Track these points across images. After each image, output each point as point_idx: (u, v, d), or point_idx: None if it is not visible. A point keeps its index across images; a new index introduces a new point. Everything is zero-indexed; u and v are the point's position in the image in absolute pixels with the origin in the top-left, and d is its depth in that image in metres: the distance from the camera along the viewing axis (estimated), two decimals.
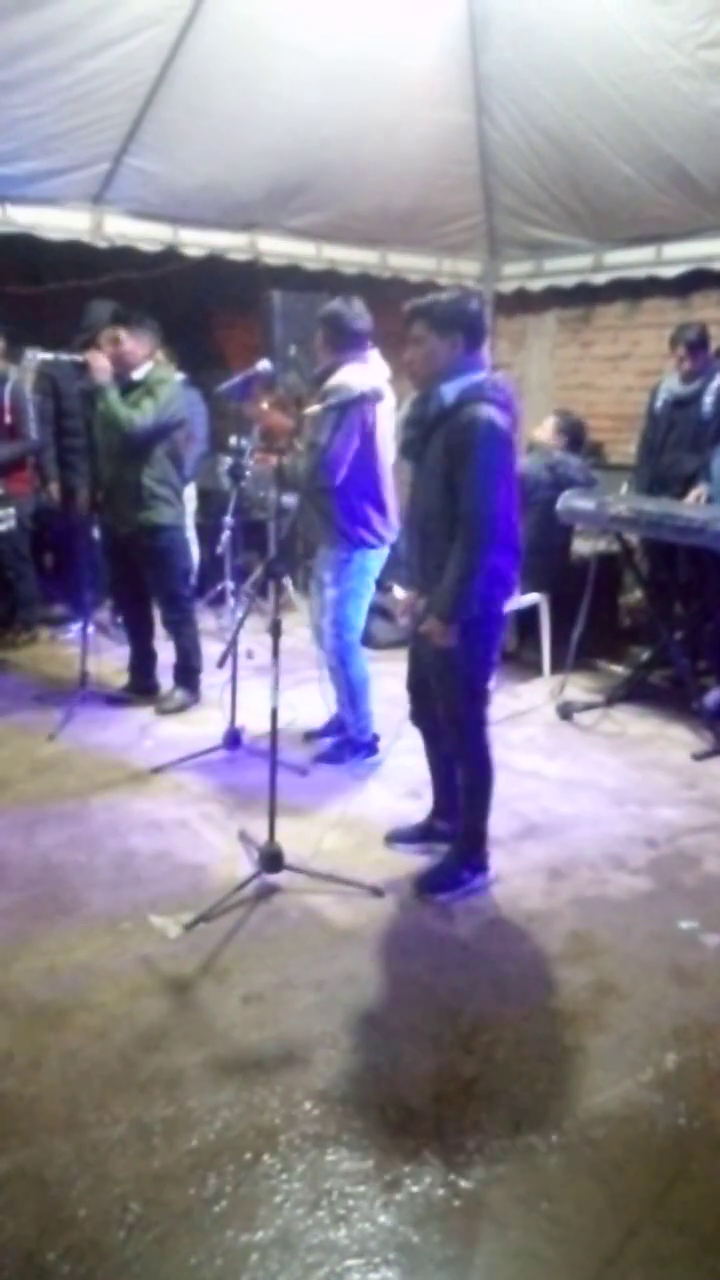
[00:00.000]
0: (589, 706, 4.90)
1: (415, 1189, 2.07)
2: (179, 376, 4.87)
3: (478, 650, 3.08)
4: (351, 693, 4.16)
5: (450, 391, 2.92)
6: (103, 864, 3.35)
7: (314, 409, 3.65)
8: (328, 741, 4.33)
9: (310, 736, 4.39)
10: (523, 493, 4.02)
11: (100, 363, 4.34)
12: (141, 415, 4.36)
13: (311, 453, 3.71)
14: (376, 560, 4.04)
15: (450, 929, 3.04)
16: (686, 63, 4.78)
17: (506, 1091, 2.35)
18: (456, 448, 2.87)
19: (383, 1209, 2.01)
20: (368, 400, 3.56)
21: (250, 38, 5.04)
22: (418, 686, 3.32)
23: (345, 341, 3.86)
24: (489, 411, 2.86)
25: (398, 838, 3.51)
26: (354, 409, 3.60)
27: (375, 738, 4.24)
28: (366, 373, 3.80)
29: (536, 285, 7.13)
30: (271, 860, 3.16)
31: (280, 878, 3.19)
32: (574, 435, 5.60)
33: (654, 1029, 2.58)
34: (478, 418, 2.85)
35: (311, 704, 4.41)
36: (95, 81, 4.96)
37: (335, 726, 4.36)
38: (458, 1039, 2.53)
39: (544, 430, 5.51)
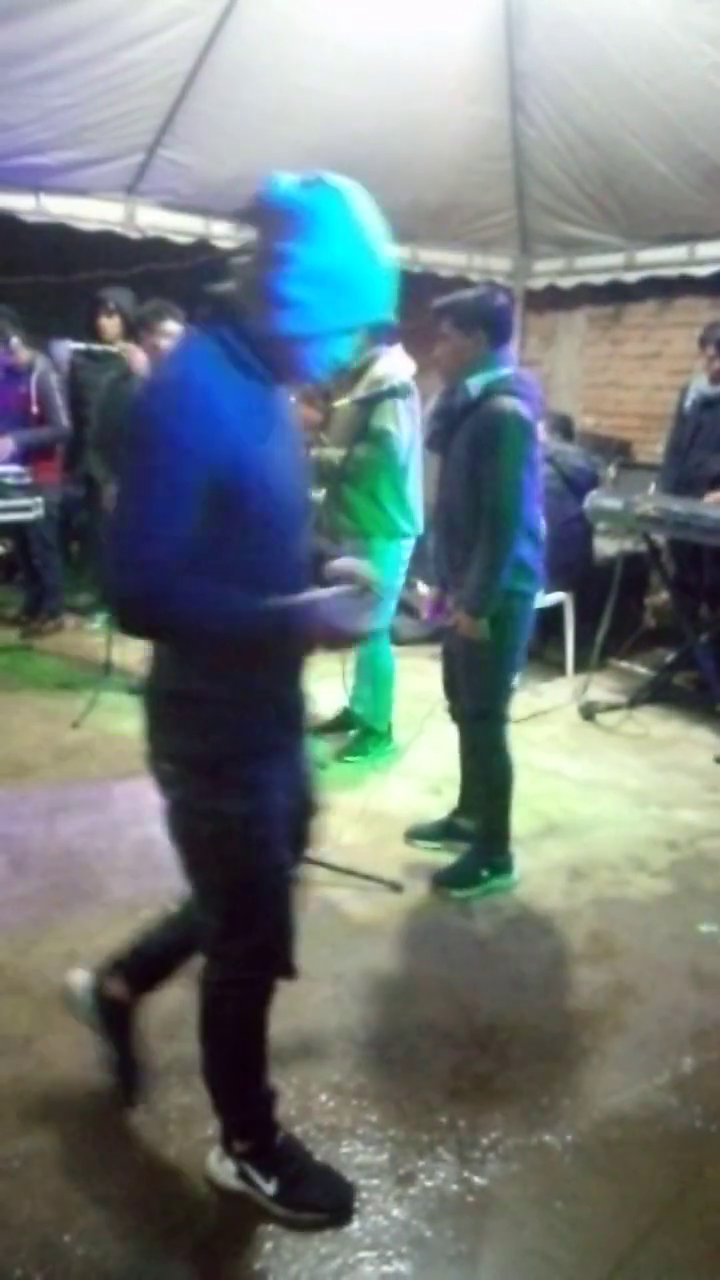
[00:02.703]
0: (612, 707, 4.88)
1: (429, 1184, 2.07)
2: None
3: (506, 642, 3.06)
4: (382, 683, 4.18)
5: (475, 385, 2.93)
6: (124, 851, 3.37)
7: (344, 402, 3.65)
8: (349, 735, 4.32)
9: (318, 732, 4.32)
10: None
11: (139, 357, 4.37)
12: None
13: (383, 439, 3.74)
14: (408, 551, 4.06)
15: (469, 926, 3.04)
16: None
17: (522, 1090, 2.35)
18: (483, 439, 2.89)
19: (396, 1203, 2.02)
20: (412, 391, 3.62)
21: (285, 32, 5.04)
22: (453, 684, 3.32)
23: (379, 333, 3.90)
24: (513, 403, 2.88)
25: (418, 834, 3.51)
26: (407, 396, 3.64)
27: (390, 728, 4.25)
28: (402, 363, 3.84)
29: (567, 282, 7.09)
30: None
31: (299, 870, 3.19)
32: (565, 429, 5.86)
33: (672, 1032, 2.57)
34: (504, 409, 2.86)
35: (335, 696, 4.40)
36: (131, 73, 4.97)
37: (346, 721, 4.36)
38: (474, 1036, 2.53)
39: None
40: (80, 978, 2.26)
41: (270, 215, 1.55)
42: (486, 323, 2.94)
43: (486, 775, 3.24)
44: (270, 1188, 1.97)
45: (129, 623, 1.56)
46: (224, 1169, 2.02)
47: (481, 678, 3.11)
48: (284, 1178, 1.98)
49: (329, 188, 1.55)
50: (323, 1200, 1.99)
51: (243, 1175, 1.99)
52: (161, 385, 1.60)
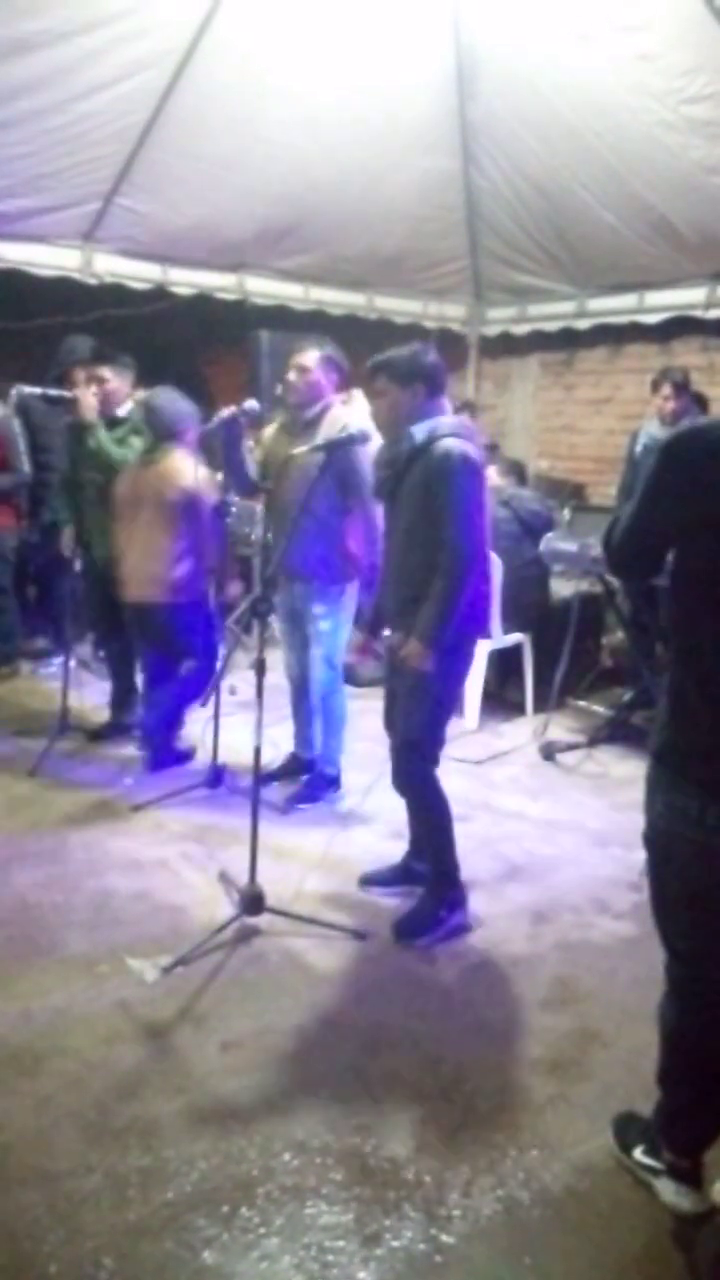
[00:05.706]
0: (571, 747, 4.89)
1: (396, 1244, 2.02)
2: None
3: (448, 682, 3.15)
4: (336, 725, 4.17)
5: (420, 431, 3.04)
6: (80, 904, 3.30)
7: (303, 449, 3.68)
8: (300, 780, 4.28)
9: (266, 780, 3.95)
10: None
11: (88, 400, 4.36)
12: (133, 453, 4.40)
13: (352, 484, 3.84)
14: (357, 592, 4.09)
15: (433, 974, 3.01)
16: (670, 116, 4.88)
17: (489, 1142, 2.31)
18: (435, 479, 2.98)
19: (363, 1264, 1.97)
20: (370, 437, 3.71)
21: (242, 83, 5.13)
22: (391, 718, 3.34)
23: (344, 384, 3.98)
24: (460, 444, 3.00)
25: (372, 880, 3.47)
26: (366, 442, 3.72)
27: (340, 773, 4.24)
28: (361, 410, 3.90)
29: (520, 329, 7.22)
30: (252, 902, 3.12)
31: (261, 920, 3.15)
32: (518, 473, 5.96)
33: (638, 1077, 2.53)
34: (451, 449, 2.98)
35: (284, 742, 4.38)
36: (88, 123, 5.03)
37: (294, 766, 4.33)
38: (439, 1087, 2.49)
39: (491, 476, 5.64)
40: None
41: None
42: (424, 376, 3.09)
43: (423, 810, 3.27)
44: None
45: None
46: None
47: (420, 709, 3.15)
48: None
49: None
50: None
51: None
52: None
